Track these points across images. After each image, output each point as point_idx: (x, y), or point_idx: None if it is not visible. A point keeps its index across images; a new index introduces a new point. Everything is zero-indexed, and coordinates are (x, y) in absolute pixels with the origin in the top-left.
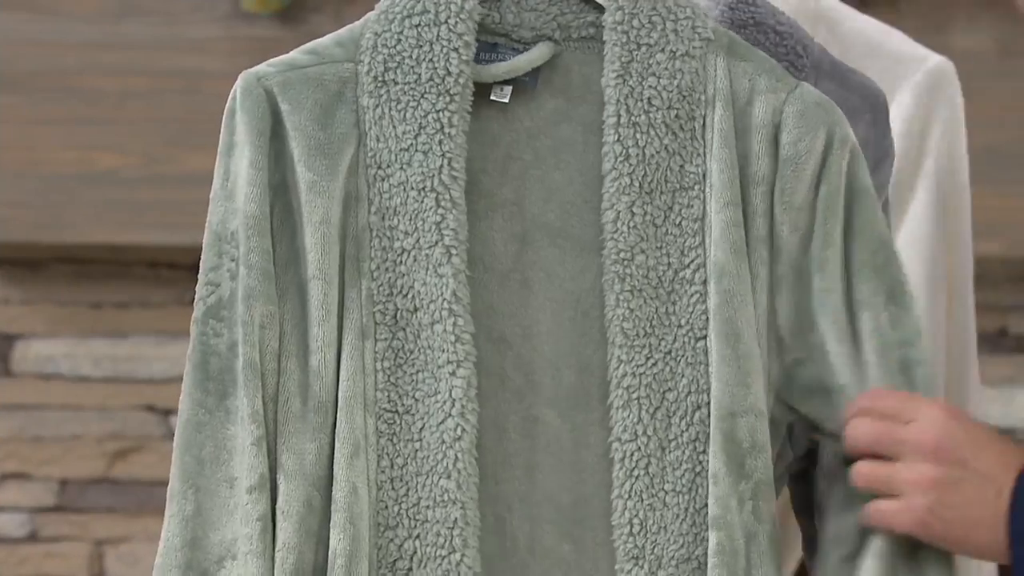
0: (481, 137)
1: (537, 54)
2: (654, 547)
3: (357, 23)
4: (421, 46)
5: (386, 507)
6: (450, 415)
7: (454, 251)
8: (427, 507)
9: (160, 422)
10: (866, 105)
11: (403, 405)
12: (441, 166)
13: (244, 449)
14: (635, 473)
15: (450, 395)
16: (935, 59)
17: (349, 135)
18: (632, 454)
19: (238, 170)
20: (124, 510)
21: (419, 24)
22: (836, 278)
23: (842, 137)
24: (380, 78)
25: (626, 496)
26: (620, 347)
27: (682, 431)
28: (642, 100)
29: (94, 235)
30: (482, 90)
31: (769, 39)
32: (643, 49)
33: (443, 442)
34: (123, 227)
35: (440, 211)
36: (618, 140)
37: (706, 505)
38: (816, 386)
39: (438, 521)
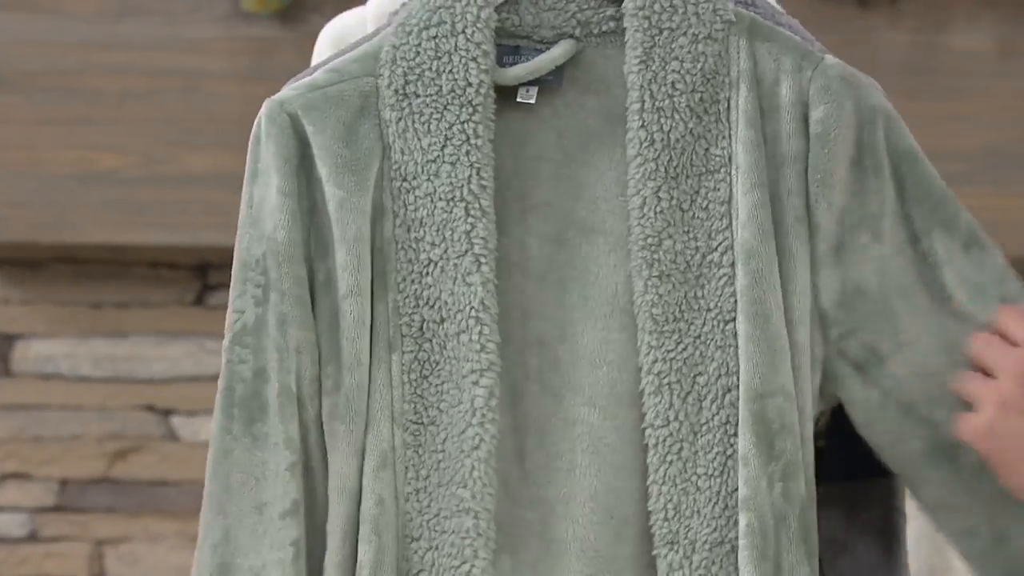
0: (511, 140)
1: (558, 52)
2: (687, 531)
3: (374, 38)
4: (440, 57)
5: (411, 519)
6: (471, 424)
7: (483, 260)
8: (445, 517)
9: (160, 422)
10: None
11: (428, 416)
12: (470, 176)
13: (277, 475)
14: (668, 458)
15: (472, 404)
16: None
17: (373, 149)
18: (665, 439)
19: (263, 197)
20: (124, 510)
21: (436, 36)
22: (898, 243)
23: (872, 106)
24: (401, 91)
25: (660, 481)
26: (650, 333)
27: (713, 415)
28: (666, 84)
29: (94, 235)
30: (508, 93)
31: None
32: (664, 34)
33: (462, 451)
34: (123, 227)
35: (470, 220)
36: (642, 126)
37: (737, 488)
38: (869, 355)
39: (453, 531)
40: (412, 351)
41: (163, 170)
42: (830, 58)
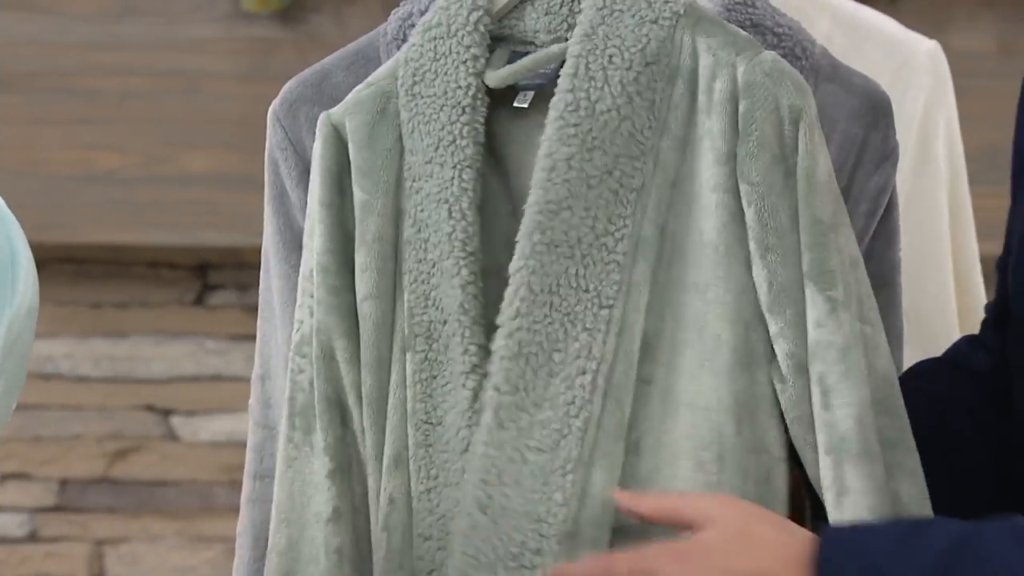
0: (519, 142)
1: (542, 55)
2: (503, 498)
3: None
4: (438, 59)
5: (423, 518)
6: (461, 427)
7: (463, 262)
8: (450, 518)
9: (160, 422)
10: (866, 107)
11: (436, 416)
12: (452, 178)
13: (320, 482)
14: (506, 424)
15: (459, 407)
16: (929, 42)
17: (392, 149)
18: (508, 405)
19: (311, 210)
20: (124, 510)
21: (435, 37)
22: (788, 253)
23: (791, 106)
24: (410, 91)
25: (488, 444)
26: (522, 300)
27: (559, 392)
28: (603, 57)
29: (94, 235)
30: (509, 97)
31: (767, 41)
32: (615, 14)
33: (456, 452)
34: (123, 227)
35: (451, 222)
36: (570, 90)
37: (562, 467)
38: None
39: (458, 532)
40: (423, 351)
41: (163, 170)
42: (767, 54)
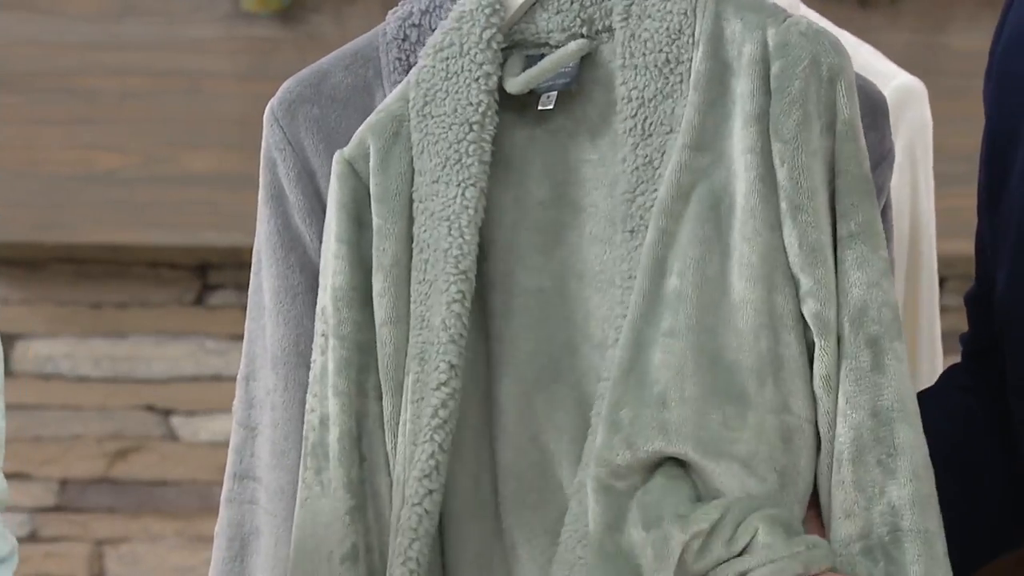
0: (550, 150)
1: (561, 55)
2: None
3: None
4: (449, 79)
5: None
6: (417, 444)
7: (452, 278)
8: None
9: (160, 422)
10: (865, 108)
11: (420, 438)
12: (455, 196)
13: (337, 519)
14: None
15: (423, 422)
16: (904, 77)
17: (406, 173)
18: (610, 390)
19: (327, 245)
20: (124, 510)
21: (447, 57)
22: (819, 213)
23: (829, 65)
24: (420, 112)
25: (598, 415)
26: (618, 288)
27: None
28: (640, 42)
29: (94, 235)
30: (533, 103)
31: None
32: None
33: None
34: (123, 227)
35: (449, 239)
36: (623, 83)
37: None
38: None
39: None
40: (417, 372)
41: (163, 170)
42: (799, 16)
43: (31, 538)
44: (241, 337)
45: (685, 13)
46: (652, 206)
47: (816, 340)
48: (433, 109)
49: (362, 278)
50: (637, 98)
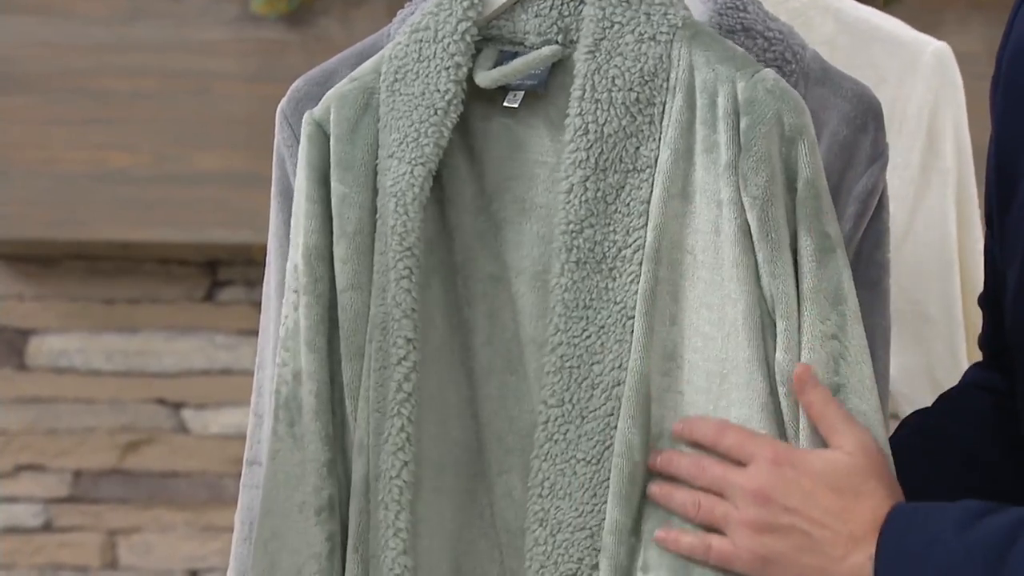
0: (508, 144)
1: (533, 57)
2: (557, 511)
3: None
4: (421, 61)
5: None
6: (388, 415)
7: (399, 255)
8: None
9: (171, 415)
10: (856, 110)
11: (383, 406)
12: (404, 173)
13: (313, 471)
14: (554, 437)
15: (390, 396)
16: (936, 43)
17: (372, 144)
18: (556, 419)
19: (297, 205)
20: (136, 501)
21: (422, 40)
22: (785, 265)
23: (791, 125)
24: (390, 88)
25: (542, 458)
26: (559, 316)
27: (600, 404)
28: (606, 78)
29: (106, 232)
30: (500, 96)
31: (758, 45)
32: (615, 28)
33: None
34: (134, 225)
35: (395, 215)
36: (579, 114)
37: (607, 479)
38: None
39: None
40: (379, 341)
41: (173, 169)
42: (767, 71)
43: (46, 528)
44: (250, 332)
45: (660, 58)
46: (614, 245)
47: (779, 388)
48: (402, 87)
49: (330, 237)
50: (595, 132)
